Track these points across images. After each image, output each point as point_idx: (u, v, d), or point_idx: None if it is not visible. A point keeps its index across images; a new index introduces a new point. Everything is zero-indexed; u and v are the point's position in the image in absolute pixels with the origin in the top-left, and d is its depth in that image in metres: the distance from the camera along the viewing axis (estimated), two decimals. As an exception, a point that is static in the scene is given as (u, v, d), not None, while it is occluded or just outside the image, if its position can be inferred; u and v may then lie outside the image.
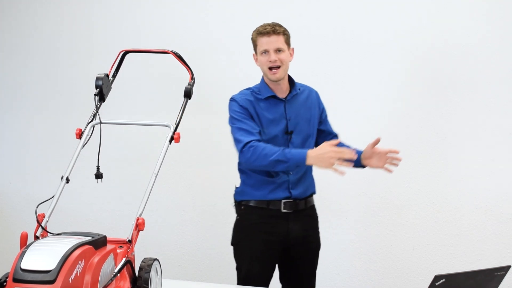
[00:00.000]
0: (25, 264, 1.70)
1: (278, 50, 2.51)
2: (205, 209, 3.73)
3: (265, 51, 2.51)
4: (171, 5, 3.76)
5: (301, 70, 3.50)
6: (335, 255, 3.52)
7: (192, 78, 2.45)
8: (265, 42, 2.51)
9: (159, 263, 2.11)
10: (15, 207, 4.07)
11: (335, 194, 3.51)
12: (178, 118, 2.32)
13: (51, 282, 1.66)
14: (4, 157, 4.12)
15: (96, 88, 2.30)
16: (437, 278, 1.68)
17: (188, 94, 2.41)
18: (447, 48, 3.33)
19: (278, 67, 2.51)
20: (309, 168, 2.68)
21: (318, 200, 3.49)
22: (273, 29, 2.51)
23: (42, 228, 2.02)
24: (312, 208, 2.74)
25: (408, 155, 3.40)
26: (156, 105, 3.74)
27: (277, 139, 2.55)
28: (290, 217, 2.59)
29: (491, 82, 3.28)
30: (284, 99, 2.60)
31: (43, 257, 1.72)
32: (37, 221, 2.03)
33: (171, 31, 3.74)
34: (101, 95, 2.32)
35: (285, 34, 2.55)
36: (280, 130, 2.57)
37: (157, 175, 2.19)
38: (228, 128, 3.63)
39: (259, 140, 2.46)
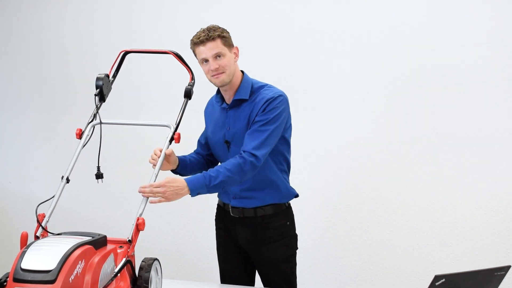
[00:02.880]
0: (26, 264, 1.70)
1: (218, 56, 2.37)
2: (205, 209, 3.72)
3: (205, 60, 2.39)
4: (171, 5, 3.77)
5: (302, 70, 3.52)
6: (335, 255, 3.53)
7: (192, 78, 2.45)
8: (202, 51, 2.38)
9: (159, 263, 2.11)
10: (15, 207, 4.07)
11: (335, 194, 3.51)
12: (178, 118, 2.32)
13: (51, 282, 1.66)
14: (4, 157, 4.12)
15: (97, 88, 2.31)
16: (437, 278, 1.68)
17: (188, 94, 2.41)
18: (447, 48, 3.33)
19: (222, 72, 2.40)
20: (267, 180, 2.49)
21: (318, 200, 3.52)
22: (207, 36, 2.35)
23: (42, 228, 2.02)
24: (266, 218, 2.51)
25: (408, 155, 3.40)
26: (156, 105, 3.74)
27: (218, 146, 2.54)
28: (237, 222, 2.54)
29: (491, 82, 3.28)
30: (227, 106, 2.50)
31: (43, 257, 1.72)
32: (37, 221, 2.03)
33: (171, 31, 3.74)
34: (101, 95, 2.32)
35: (223, 36, 2.39)
36: (219, 139, 2.52)
37: (157, 175, 2.19)
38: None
39: (198, 152, 2.69)
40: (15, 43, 4.09)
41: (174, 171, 2.54)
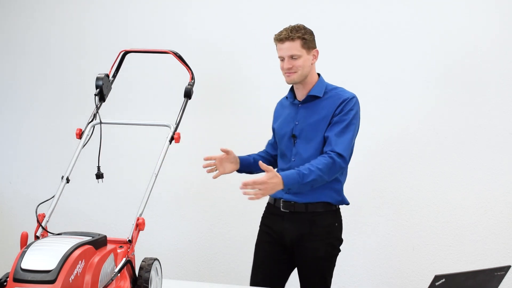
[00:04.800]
0: (26, 264, 1.70)
1: (293, 57, 2.47)
2: (205, 209, 3.73)
3: (281, 58, 2.50)
4: (171, 5, 3.77)
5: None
6: (335, 255, 3.52)
7: (192, 78, 2.45)
8: (280, 49, 2.49)
9: (159, 263, 2.11)
10: (15, 207, 4.07)
11: (335, 194, 3.50)
12: (178, 118, 2.32)
13: (52, 282, 1.66)
14: (4, 157, 4.12)
15: (96, 88, 2.31)
16: (437, 278, 1.68)
17: (188, 94, 2.42)
18: (447, 48, 3.33)
19: (294, 72, 2.49)
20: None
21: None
22: (287, 36, 2.46)
23: (43, 228, 2.02)
24: (316, 215, 2.55)
25: (408, 155, 3.40)
26: (156, 105, 3.74)
27: (284, 140, 2.62)
28: (286, 217, 2.58)
29: (491, 82, 3.28)
30: (299, 102, 2.59)
31: (43, 257, 1.72)
32: (37, 221, 2.03)
33: (171, 31, 3.74)
34: (101, 95, 2.33)
35: (303, 38, 2.47)
36: (286, 132, 2.60)
37: (157, 175, 2.19)
38: (227, 128, 3.65)
39: (267, 151, 2.79)
40: (14, 44, 4.08)
41: (237, 171, 2.67)
